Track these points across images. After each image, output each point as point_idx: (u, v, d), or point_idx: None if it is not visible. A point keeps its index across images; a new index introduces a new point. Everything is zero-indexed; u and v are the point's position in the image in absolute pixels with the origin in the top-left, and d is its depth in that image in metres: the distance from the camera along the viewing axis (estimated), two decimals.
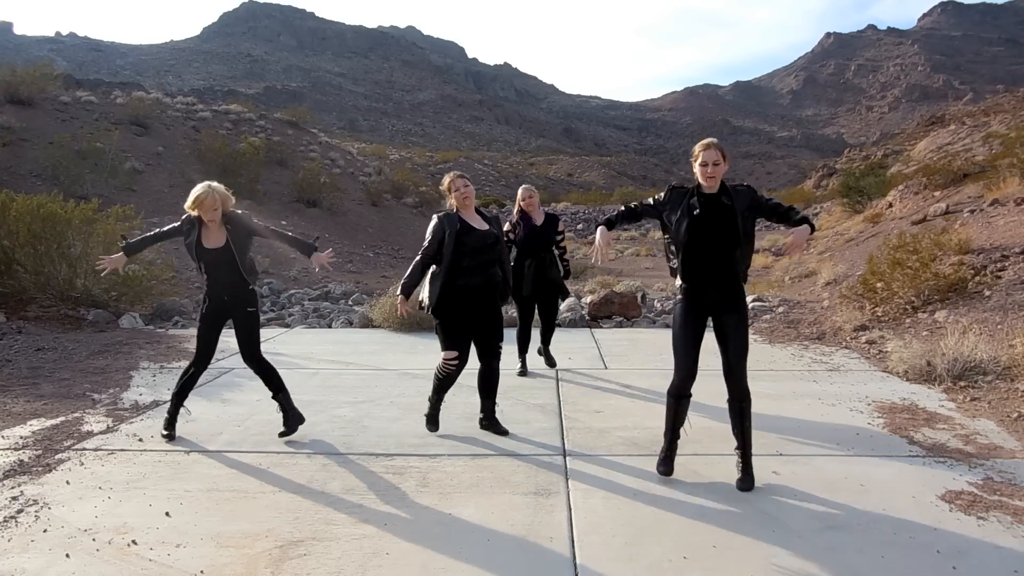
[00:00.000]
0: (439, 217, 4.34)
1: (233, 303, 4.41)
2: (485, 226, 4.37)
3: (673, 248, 3.68)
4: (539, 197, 6.32)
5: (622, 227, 3.89)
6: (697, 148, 3.66)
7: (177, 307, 9.62)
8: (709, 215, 3.56)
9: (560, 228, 6.17)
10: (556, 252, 6.15)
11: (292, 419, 4.52)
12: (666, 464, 3.86)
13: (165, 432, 4.52)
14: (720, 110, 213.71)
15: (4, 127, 18.99)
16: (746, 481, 3.68)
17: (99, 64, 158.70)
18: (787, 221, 3.64)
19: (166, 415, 4.58)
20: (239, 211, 4.42)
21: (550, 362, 6.41)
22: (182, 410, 4.62)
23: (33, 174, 17.24)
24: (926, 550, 3.08)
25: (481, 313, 4.38)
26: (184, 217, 4.37)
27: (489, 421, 4.65)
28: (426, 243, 4.31)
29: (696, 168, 3.63)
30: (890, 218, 15.57)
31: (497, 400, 4.71)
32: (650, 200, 3.82)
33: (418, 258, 4.34)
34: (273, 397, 4.57)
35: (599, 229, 3.77)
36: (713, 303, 3.65)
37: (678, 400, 3.75)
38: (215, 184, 4.29)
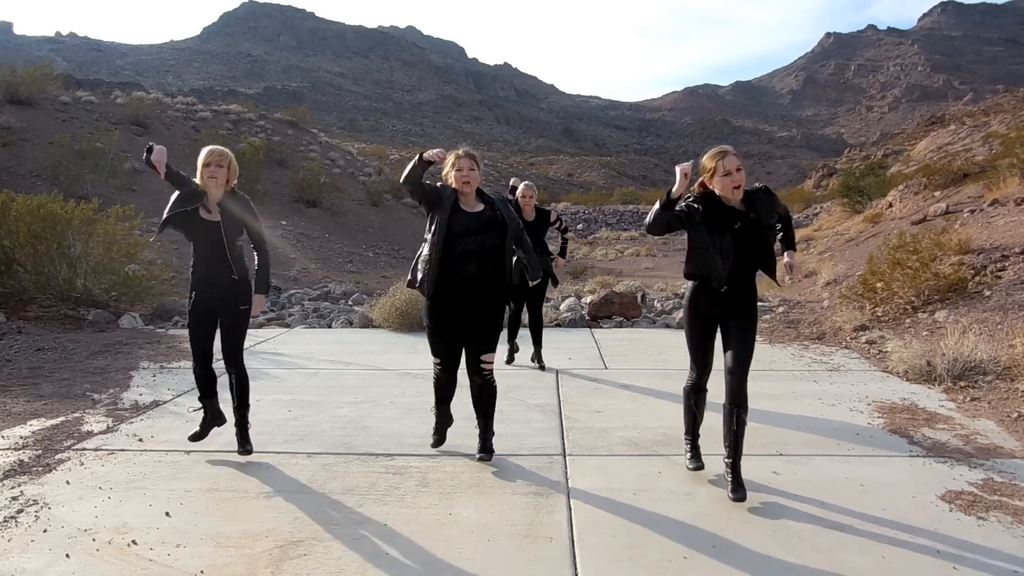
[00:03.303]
0: (441, 184, 3.93)
1: (223, 298, 4.06)
2: (478, 208, 3.90)
3: (699, 256, 3.55)
4: (537, 197, 6.48)
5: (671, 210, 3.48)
6: (711, 160, 3.42)
7: (177, 307, 9.62)
8: (745, 231, 3.46)
9: (553, 219, 6.46)
10: (561, 236, 6.78)
11: (244, 440, 4.19)
12: (697, 458, 3.90)
13: (240, 447, 4.14)
14: (720, 110, 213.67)
15: (4, 127, 18.99)
16: (738, 491, 3.51)
17: (99, 64, 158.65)
18: (785, 237, 3.76)
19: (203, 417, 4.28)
20: (244, 195, 4.14)
21: (541, 366, 6.50)
22: (191, 409, 4.37)
23: (33, 174, 17.24)
24: (926, 550, 3.08)
25: (472, 312, 3.90)
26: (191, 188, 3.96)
27: (485, 448, 4.10)
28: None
29: (716, 180, 3.42)
30: (890, 218, 15.57)
31: (497, 403, 4.60)
32: (688, 206, 3.47)
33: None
34: (234, 409, 4.21)
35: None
36: (726, 306, 3.58)
37: (699, 393, 3.80)
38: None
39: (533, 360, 6.51)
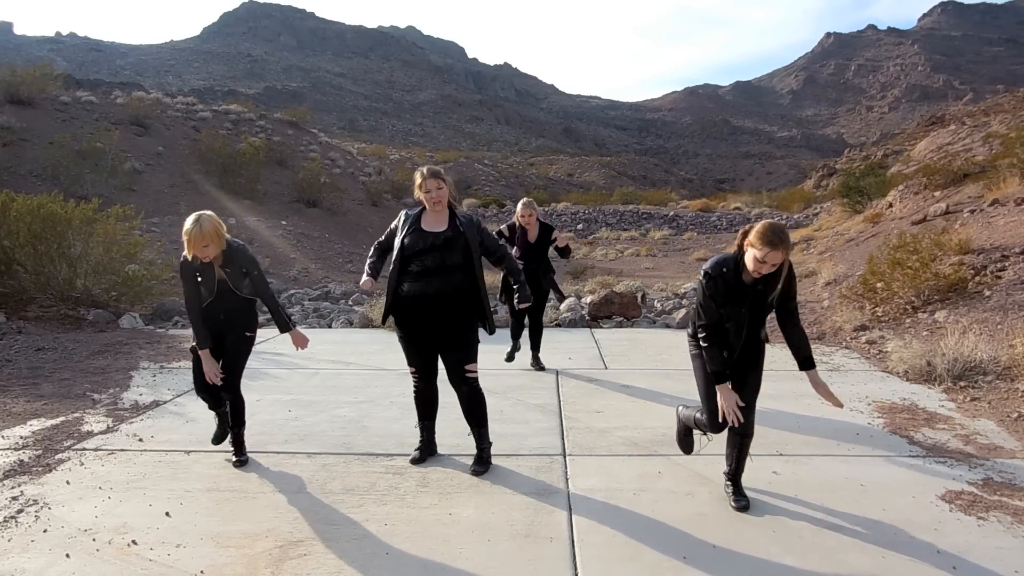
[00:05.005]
0: (405, 211, 4.04)
1: (230, 323, 4.06)
2: (440, 227, 3.88)
3: (704, 323, 3.43)
4: (537, 214, 6.45)
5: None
6: (759, 241, 3.15)
7: (177, 307, 9.62)
8: (750, 307, 3.37)
9: (554, 236, 6.41)
10: (553, 249, 6.53)
11: (240, 451, 4.21)
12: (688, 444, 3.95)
13: (235, 458, 4.14)
14: (720, 110, 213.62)
15: (4, 127, 18.99)
16: (740, 499, 3.51)
17: (99, 64, 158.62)
18: (797, 351, 3.43)
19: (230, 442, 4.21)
20: (237, 245, 4.05)
21: (541, 368, 6.54)
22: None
23: (33, 174, 17.24)
24: (926, 550, 3.08)
25: (439, 327, 3.85)
26: (182, 266, 4.02)
27: (480, 460, 4.02)
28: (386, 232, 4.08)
29: (749, 254, 3.22)
30: (890, 218, 15.56)
31: (498, 404, 4.62)
32: (712, 317, 3.36)
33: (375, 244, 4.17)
34: (230, 427, 4.24)
35: (727, 391, 3.37)
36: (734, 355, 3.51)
37: (701, 433, 3.74)
38: (205, 215, 3.87)
39: (532, 365, 6.56)
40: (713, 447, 4.26)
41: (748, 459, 3.63)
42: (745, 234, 3.30)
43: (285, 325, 4.17)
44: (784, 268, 3.29)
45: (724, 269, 3.32)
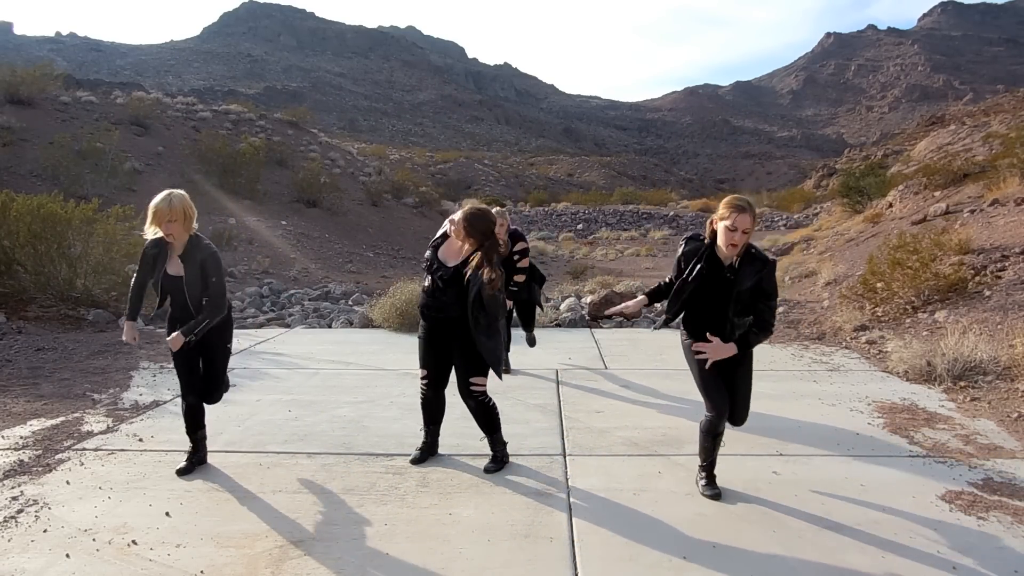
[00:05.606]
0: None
1: (208, 336, 3.90)
2: (452, 261, 3.84)
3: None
4: (508, 224, 5.89)
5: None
6: (727, 209, 3.30)
7: None
8: (708, 285, 3.41)
9: (517, 248, 5.93)
10: (518, 271, 5.98)
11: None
12: (713, 486, 3.67)
13: (183, 465, 4.02)
14: (720, 110, 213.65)
15: (4, 127, 18.97)
16: (715, 487, 3.66)
17: (99, 64, 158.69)
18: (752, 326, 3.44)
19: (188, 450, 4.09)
20: (207, 246, 3.85)
21: (531, 340, 6.68)
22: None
23: (33, 174, 17.22)
24: (926, 550, 3.08)
25: (450, 340, 3.90)
26: (144, 247, 3.85)
27: (492, 459, 4.08)
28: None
29: (720, 227, 3.34)
30: (890, 218, 15.55)
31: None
32: (671, 277, 3.62)
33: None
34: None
35: (640, 298, 3.68)
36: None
37: (716, 437, 3.59)
38: (176, 193, 3.72)
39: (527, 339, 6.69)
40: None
41: (748, 458, 3.66)
42: (711, 223, 3.45)
43: (189, 330, 3.78)
44: (763, 265, 3.37)
45: (701, 239, 3.50)
